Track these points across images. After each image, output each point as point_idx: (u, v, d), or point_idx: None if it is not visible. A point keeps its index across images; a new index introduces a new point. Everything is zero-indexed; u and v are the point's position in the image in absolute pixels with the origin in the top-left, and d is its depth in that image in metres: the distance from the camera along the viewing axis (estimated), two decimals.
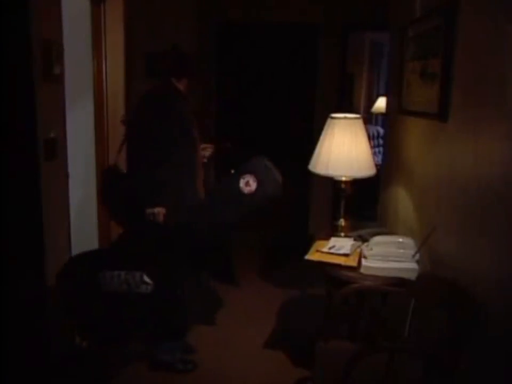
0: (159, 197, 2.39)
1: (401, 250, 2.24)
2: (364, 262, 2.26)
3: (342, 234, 2.61)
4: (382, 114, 5.60)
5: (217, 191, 2.58)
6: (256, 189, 2.25)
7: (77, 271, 2.33)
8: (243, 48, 4.58)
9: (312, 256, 2.37)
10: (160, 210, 2.36)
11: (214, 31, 4.41)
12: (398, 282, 2.15)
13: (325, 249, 2.40)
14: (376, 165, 2.68)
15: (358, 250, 2.41)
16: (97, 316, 2.33)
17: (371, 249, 2.30)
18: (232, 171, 2.40)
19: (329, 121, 2.58)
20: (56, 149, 2.46)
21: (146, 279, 2.28)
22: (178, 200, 2.39)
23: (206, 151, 2.77)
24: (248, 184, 2.24)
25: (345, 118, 2.55)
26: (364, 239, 2.49)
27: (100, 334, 2.42)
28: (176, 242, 2.38)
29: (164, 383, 2.51)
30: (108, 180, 2.69)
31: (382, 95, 5.69)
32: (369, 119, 6.37)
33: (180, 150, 2.42)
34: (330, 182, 2.72)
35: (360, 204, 2.76)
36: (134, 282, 2.28)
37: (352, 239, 2.52)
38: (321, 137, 2.60)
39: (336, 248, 2.40)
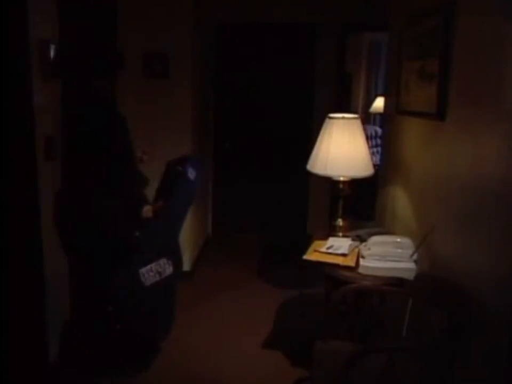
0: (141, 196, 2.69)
1: (399, 250, 2.24)
2: (361, 261, 2.27)
3: (340, 234, 2.61)
4: (380, 114, 5.61)
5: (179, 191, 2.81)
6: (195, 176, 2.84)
7: (117, 273, 2.51)
8: (241, 48, 4.58)
9: (310, 256, 2.37)
10: (148, 208, 2.66)
11: (212, 31, 4.41)
12: (396, 282, 2.16)
13: (323, 249, 2.40)
14: (374, 165, 2.68)
15: (356, 250, 2.41)
16: (145, 310, 2.60)
17: (369, 249, 2.31)
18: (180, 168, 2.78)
19: (327, 121, 2.58)
20: (54, 149, 2.45)
21: (167, 262, 2.66)
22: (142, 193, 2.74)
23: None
24: (191, 172, 2.81)
25: (343, 118, 2.55)
26: (362, 239, 2.49)
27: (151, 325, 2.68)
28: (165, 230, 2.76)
29: (163, 382, 2.52)
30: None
31: (380, 95, 5.69)
32: (367, 119, 6.38)
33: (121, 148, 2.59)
34: (329, 182, 2.72)
35: (358, 204, 2.77)
36: (162, 269, 2.63)
37: (350, 239, 2.52)
38: (320, 137, 2.61)
39: (334, 248, 2.40)
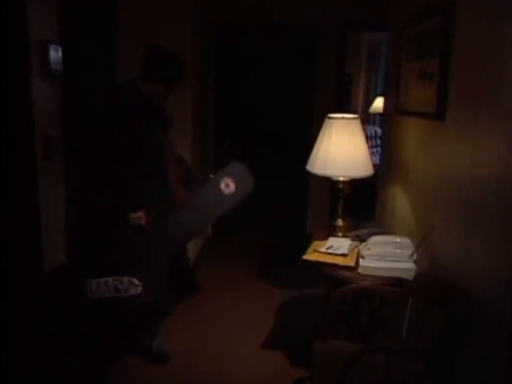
0: (134, 202, 2.45)
1: (399, 250, 2.25)
2: (361, 262, 2.27)
3: (340, 234, 2.61)
4: (380, 114, 5.61)
5: (200, 196, 2.59)
6: (235, 189, 2.52)
7: (61, 281, 2.37)
8: (241, 49, 4.58)
9: (310, 256, 2.37)
10: (140, 215, 2.43)
11: (212, 31, 4.41)
12: (396, 282, 2.16)
13: (323, 249, 2.40)
14: (374, 165, 2.68)
15: (356, 250, 2.41)
16: (85, 325, 2.36)
17: (369, 249, 2.31)
18: (211, 175, 2.54)
19: (327, 121, 2.59)
20: (53, 148, 2.46)
21: (135, 281, 2.41)
22: (150, 203, 2.46)
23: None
24: (228, 185, 2.51)
25: (343, 118, 2.55)
26: (361, 239, 2.49)
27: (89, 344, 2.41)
28: (156, 244, 2.50)
29: (162, 382, 2.52)
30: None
31: (380, 95, 5.69)
32: (367, 119, 6.38)
33: (141, 154, 2.41)
34: (328, 182, 2.72)
35: (358, 204, 2.77)
36: (123, 287, 2.39)
37: (350, 239, 2.52)
38: (319, 137, 2.61)
39: (334, 248, 2.40)
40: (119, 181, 2.46)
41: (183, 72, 2.59)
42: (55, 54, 2.34)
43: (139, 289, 2.39)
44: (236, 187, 2.54)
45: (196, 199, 2.56)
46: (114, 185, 2.46)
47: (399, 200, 2.77)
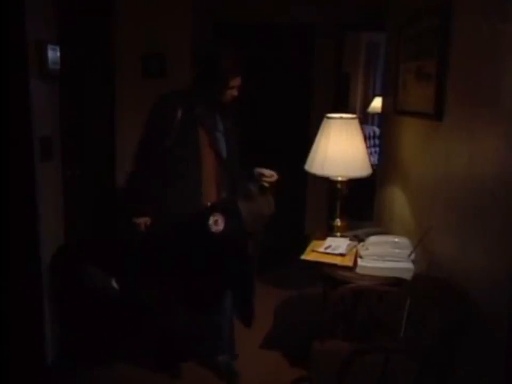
0: (141, 207, 2.34)
1: (397, 250, 2.25)
2: (359, 261, 2.27)
3: (338, 234, 2.61)
4: (378, 114, 5.62)
5: (189, 221, 2.29)
6: (224, 230, 2.18)
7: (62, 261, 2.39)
8: (239, 48, 4.57)
9: (308, 256, 2.37)
10: (141, 221, 2.31)
11: (210, 31, 4.41)
12: (394, 282, 2.16)
13: (321, 249, 2.40)
14: (372, 165, 2.68)
15: (354, 250, 2.41)
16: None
17: (367, 249, 2.31)
18: (209, 204, 2.28)
19: (325, 121, 2.59)
20: (51, 149, 2.45)
21: (114, 284, 2.43)
22: (160, 213, 2.31)
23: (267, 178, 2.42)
24: (217, 223, 2.19)
25: (341, 118, 2.55)
26: (360, 239, 2.49)
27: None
28: (147, 254, 2.39)
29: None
30: None
31: (378, 95, 5.70)
32: (365, 119, 6.39)
33: (171, 160, 2.25)
34: (327, 182, 2.72)
35: (356, 204, 2.77)
36: (106, 285, 2.43)
37: (348, 239, 2.52)
38: (317, 137, 2.61)
39: (332, 248, 2.40)
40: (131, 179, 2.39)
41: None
42: (53, 54, 2.34)
43: (115, 294, 2.43)
44: (225, 228, 2.18)
45: (179, 223, 2.29)
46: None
47: (398, 200, 2.77)
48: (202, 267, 2.26)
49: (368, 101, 6.41)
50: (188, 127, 2.23)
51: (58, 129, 2.55)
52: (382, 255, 2.24)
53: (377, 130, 5.66)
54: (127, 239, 2.47)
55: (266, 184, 2.41)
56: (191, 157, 2.25)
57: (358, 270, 2.25)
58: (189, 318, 2.51)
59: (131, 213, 2.35)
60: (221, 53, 2.26)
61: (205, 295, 2.38)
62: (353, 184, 2.62)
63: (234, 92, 2.34)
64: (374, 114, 6.36)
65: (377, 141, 5.36)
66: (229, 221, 2.20)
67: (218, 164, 2.33)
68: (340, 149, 2.48)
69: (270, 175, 2.42)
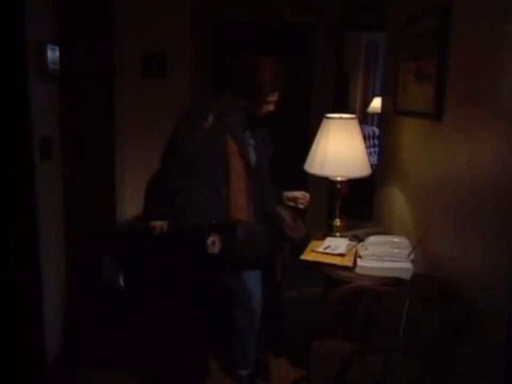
0: (159, 210, 2.26)
1: (396, 250, 2.25)
2: (359, 262, 2.27)
3: (338, 234, 2.62)
4: (377, 114, 5.62)
5: (190, 236, 2.21)
6: (219, 252, 2.10)
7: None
8: (239, 49, 4.57)
9: (307, 256, 2.37)
10: (158, 224, 2.25)
11: (209, 31, 4.41)
12: (393, 282, 2.16)
13: (321, 249, 2.40)
14: (372, 165, 2.69)
15: (354, 250, 2.41)
16: None
17: (366, 249, 2.31)
18: (214, 222, 2.17)
19: (324, 121, 2.59)
20: (51, 149, 2.45)
21: (121, 281, 2.43)
22: (179, 220, 2.22)
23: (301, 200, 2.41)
24: (214, 244, 2.10)
25: (340, 118, 2.55)
26: (359, 239, 2.50)
27: None
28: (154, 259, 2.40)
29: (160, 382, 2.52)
30: None
31: (378, 95, 5.70)
32: (364, 119, 6.39)
33: (198, 168, 2.16)
34: (326, 182, 2.72)
35: (355, 204, 2.77)
36: (115, 279, 2.46)
37: (347, 239, 2.52)
38: (317, 137, 2.61)
39: (332, 248, 2.41)
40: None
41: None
42: (53, 53, 2.34)
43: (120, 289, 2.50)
44: (220, 251, 2.09)
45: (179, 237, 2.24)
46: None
47: (397, 200, 2.78)
48: (195, 284, 2.26)
49: (367, 101, 6.41)
50: (217, 136, 2.14)
51: (58, 129, 2.56)
52: (381, 255, 2.24)
53: (376, 130, 5.66)
54: (139, 239, 2.41)
55: (302, 206, 2.40)
56: (219, 166, 2.16)
57: (357, 270, 2.25)
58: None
59: (148, 215, 2.28)
60: (261, 66, 2.16)
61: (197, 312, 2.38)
62: (353, 184, 2.63)
63: (271, 107, 2.25)
64: (373, 115, 6.36)
65: (376, 141, 5.36)
66: (225, 244, 2.11)
67: (248, 174, 2.23)
68: (339, 149, 2.48)
69: (303, 196, 2.41)
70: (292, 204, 2.44)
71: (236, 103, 2.20)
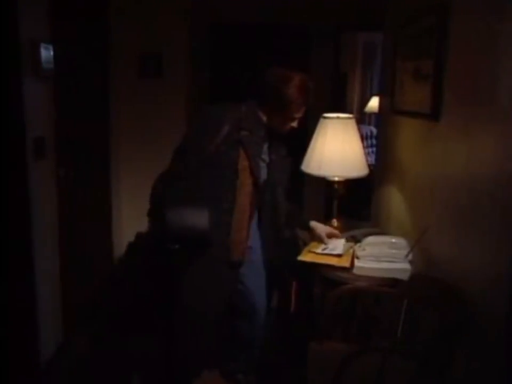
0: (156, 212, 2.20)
1: (394, 251, 2.25)
2: (356, 262, 2.27)
3: None
4: (375, 114, 5.62)
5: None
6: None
7: None
8: (236, 49, 4.57)
9: (305, 257, 2.37)
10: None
11: (207, 31, 4.40)
12: (391, 283, 2.16)
13: (318, 250, 2.40)
14: (370, 165, 2.69)
15: (351, 250, 2.41)
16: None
17: (364, 249, 2.31)
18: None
19: (321, 121, 2.58)
20: (45, 149, 2.44)
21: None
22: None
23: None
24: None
25: (337, 118, 2.55)
26: (356, 240, 2.49)
27: None
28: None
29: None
30: None
31: (376, 94, 5.71)
32: (362, 119, 6.40)
33: (205, 178, 2.09)
34: (323, 182, 2.72)
35: (353, 204, 2.77)
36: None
37: (345, 239, 2.52)
38: (314, 137, 2.60)
39: (329, 249, 2.40)
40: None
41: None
42: (47, 53, 2.33)
43: None
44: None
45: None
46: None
47: (395, 200, 2.78)
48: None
49: (365, 101, 6.41)
50: (229, 148, 2.07)
51: (52, 129, 2.55)
52: (379, 255, 2.24)
53: (374, 130, 5.66)
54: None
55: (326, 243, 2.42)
56: (227, 180, 2.09)
57: (355, 270, 2.24)
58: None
59: (152, 216, 2.23)
60: (292, 81, 2.11)
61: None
62: (350, 184, 2.62)
63: (295, 124, 2.19)
64: (371, 114, 6.37)
65: (374, 141, 5.36)
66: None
67: (254, 192, 2.17)
68: (336, 149, 2.47)
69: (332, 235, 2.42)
70: (316, 238, 2.44)
71: (256, 117, 2.15)
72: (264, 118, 2.17)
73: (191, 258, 2.14)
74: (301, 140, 3.77)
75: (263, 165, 2.20)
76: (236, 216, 2.12)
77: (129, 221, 3.63)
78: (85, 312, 2.98)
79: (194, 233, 2.04)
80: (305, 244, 2.44)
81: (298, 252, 2.41)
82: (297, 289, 2.39)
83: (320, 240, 2.44)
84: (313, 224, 2.45)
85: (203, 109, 2.20)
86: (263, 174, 2.20)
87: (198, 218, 2.03)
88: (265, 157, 2.22)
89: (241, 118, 2.11)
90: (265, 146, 2.22)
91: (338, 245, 2.43)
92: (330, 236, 2.44)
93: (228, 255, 2.14)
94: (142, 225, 3.39)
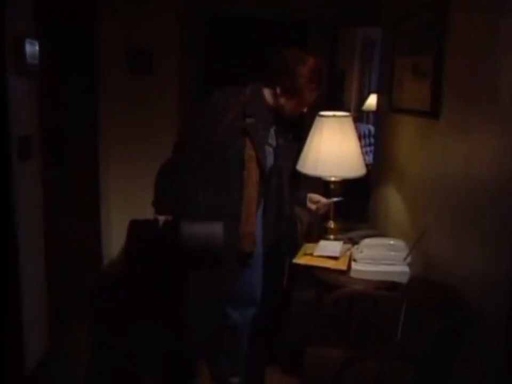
0: (164, 203, 2.25)
1: (392, 253, 2.26)
2: (353, 265, 2.27)
3: (332, 236, 2.61)
4: (373, 112, 5.64)
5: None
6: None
7: None
8: (231, 44, 4.58)
9: (300, 259, 2.37)
10: (162, 217, 2.25)
11: (202, 26, 4.40)
12: (389, 286, 2.17)
13: (314, 252, 2.40)
14: (368, 165, 2.69)
15: (348, 253, 2.42)
16: None
17: (361, 252, 2.31)
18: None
19: (317, 119, 2.59)
20: (30, 148, 2.43)
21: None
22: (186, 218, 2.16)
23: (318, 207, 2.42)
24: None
25: (334, 116, 2.56)
26: (354, 242, 2.50)
27: None
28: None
29: None
30: None
31: (374, 92, 5.72)
32: (360, 117, 6.41)
33: (210, 168, 2.12)
34: (320, 183, 2.72)
35: (350, 205, 2.77)
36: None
37: (342, 241, 2.53)
38: (310, 136, 2.61)
39: (325, 251, 2.41)
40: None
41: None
42: (32, 48, 2.32)
43: None
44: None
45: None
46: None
47: (393, 201, 2.79)
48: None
49: (363, 98, 6.42)
50: (234, 137, 2.08)
51: (38, 127, 2.54)
52: (377, 258, 2.25)
53: (372, 128, 5.68)
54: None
55: (321, 211, 2.44)
56: (234, 171, 2.10)
57: (352, 273, 2.25)
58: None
59: (156, 208, 2.27)
60: (308, 61, 2.11)
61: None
62: (347, 184, 2.63)
63: (305, 109, 2.21)
64: (369, 112, 6.38)
65: (372, 140, 5.37)
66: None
67: (261, 181, 2.18)
68: (333, 148, 2.48)
69: (326, 202, 2.43)
70: (313, 207, 2.45)
71: (262, 100, 2.16)
72: (272, 101, 2.17)
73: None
74: (296, 138, 3.78)
75: (269, 150, 2.22)
76: (244, 207, 2.13)
77: (119, 223, 3.62)
78: (73, 318, 2.97)
79: (207, 251, 2.08)
80: (302, 223, 2.44)
81: (295, 231, 2.42)
82: (290, 265, 2.40)
83: (316, 203, 2.43)
84: (309, 196, 2.47)
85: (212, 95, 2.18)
86: (270, 160, 2.21)
87: (213, 235, 2.07)
88: (272, 141, 2.23)
89: (246, 102, 2.11)
90: (272, 130, 2.23)
91: (335, 246, 2.44)
92: (323, 201, 2.44)
93: (238, 247, 2.15)
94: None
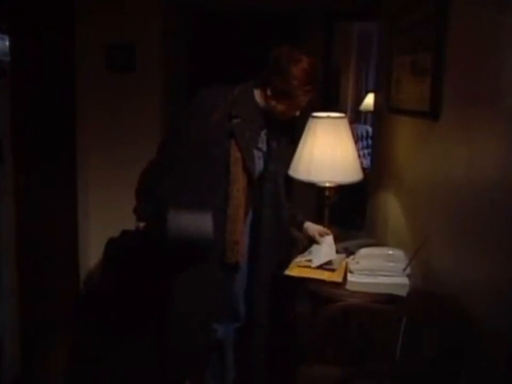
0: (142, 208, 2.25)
1: (391, 264, 2.25)
2: (349, 277, 2.27)
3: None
4: (371, 112, 5.67)
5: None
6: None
7: None
8: (219, 38, 4.58)
9: (292, 271, 2.36)
10: (140, 224, 2.26)
11: (185, 19, 4.40)
12: (388, 299, 2.17)
13: (306, 263, 2.39)
14: (365, 169, 2.70)
15: (344, 264, 2.41)
16: None
17: (357, 262, 2.31)
18: None
19: (310, 120, 2.59)
20: (2, 152, 2.41)
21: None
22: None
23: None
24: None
25: (328, 117, 2.56)
26: (349, 252, 2.50)
27: None
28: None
29: None
30: None
31: (372, 91, 5.75)
32: (357, 117, 6.44)
33: (195, 172, 2.12)
34: (313, 189, 2.72)
35: (346, 213, 2.79)
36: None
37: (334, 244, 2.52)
38: (303, 139, 2.61)
39: (314, 256, 2.39)
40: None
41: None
42: (2, 44, 2.30)
43: None
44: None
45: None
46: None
47: (391, 208, 2.80)
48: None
49: (360, 98, 6.46)
50: (219, 137, 2.08)
51: (9, 129, 2.51)
52: (374, 269, 2.25)
53: (370, 130, 5.71)
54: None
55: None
56: (218, 174, 2.10)
57: (347, 286, 2.25)
58: None
59: (137, 215, 2.27)
60: (302, 60, 2.08)
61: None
62: (343, 190, 2.63)
63: (298, 112, 2.21)
64: (367, 113, 6.41)
65: (370, 141, 5.41)
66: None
67: (249, 188, 2.17)
68: (327, 152, 2.47)
69: (326, 235, 2.41)
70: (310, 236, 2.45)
71: (252, 101, 2.14)
72: (262, 102, 2.16)
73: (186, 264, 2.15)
74: (291, 142, 3.79)
75: (259, 154, 2.20)
76: (229, 214, 2.11)
77: (97, 232, 3.59)
78: (47, 337, 2.94)
79: (196, 243, 2.06)
80: (303, 246, 2.45)
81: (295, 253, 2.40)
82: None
83: (313, 239, 2.42)
84: (306, 224, 2.47)
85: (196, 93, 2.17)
86: (259, 165, 2.20)
87: (202, 226, 2.04)
88: (262, 145, 2.21)
89: (233, 101, 2.10)
90: (263, 133, 2.22)
91: (322, 251, 2.41)
92: (322, 234, 2.44)
93: (222, 257, 2.14)
94: (112, 235, 3.38)
